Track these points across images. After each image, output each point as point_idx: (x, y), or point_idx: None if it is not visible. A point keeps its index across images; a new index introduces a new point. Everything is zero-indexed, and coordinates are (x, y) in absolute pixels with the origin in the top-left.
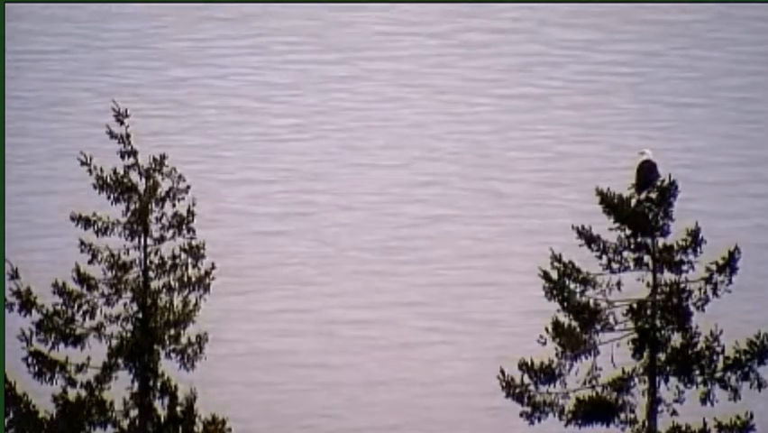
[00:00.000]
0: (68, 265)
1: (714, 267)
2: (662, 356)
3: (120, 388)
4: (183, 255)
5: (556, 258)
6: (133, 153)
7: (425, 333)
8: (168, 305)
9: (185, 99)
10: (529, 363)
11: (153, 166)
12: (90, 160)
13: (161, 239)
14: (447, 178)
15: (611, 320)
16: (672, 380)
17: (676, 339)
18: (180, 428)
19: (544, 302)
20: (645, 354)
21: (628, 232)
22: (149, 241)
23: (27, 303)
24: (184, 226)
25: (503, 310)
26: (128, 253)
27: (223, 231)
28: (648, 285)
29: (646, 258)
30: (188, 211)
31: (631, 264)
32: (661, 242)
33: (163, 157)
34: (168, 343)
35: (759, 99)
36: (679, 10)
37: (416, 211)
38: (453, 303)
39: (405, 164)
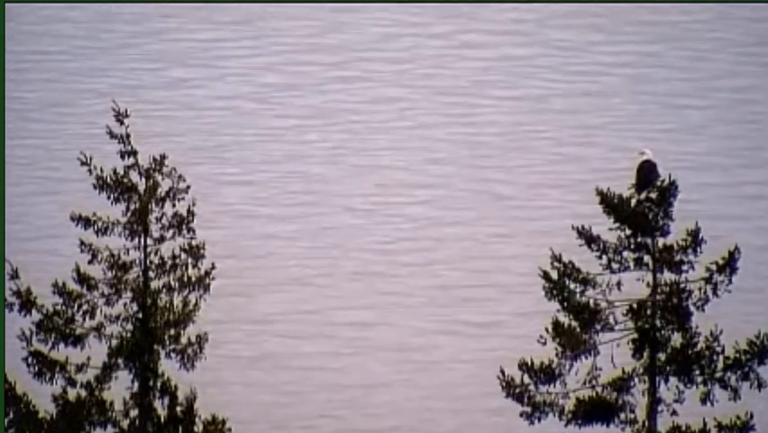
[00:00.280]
0: (68, 265)
1: (714, 267)
2: (662, 356)
3: (120, 388)
4: (183, 255)
5: (556, 258)
6: (133, 153)
7: (425, 334)
8: (168, 305)
9: (185, 100)
10: (529, 363)
11: (153, 166)
12: (90, 160)
13: (161, 239)
14: (447, 179)
15: (611, 320)
16: (672, 380)
17: (676, 339)
18: (180, 428)
19: (544, 303)
20: (645, 354)
21: (628, 232)
22: (149, 241)
23: (27, 303)
24: (184, 226)
25: (504, 312)
26: (128, 253)
27: (223, 232)
28: (648, 285)
29: (646, 258)
30: (188, 211)
31: (631, 264)
32: (661, 242)
33: (163, 157)
34: (168, 343)
35: (759, 101)
36: (679, 11)
37: (417, 212)
38: (454, 304)
39: (405, 166)
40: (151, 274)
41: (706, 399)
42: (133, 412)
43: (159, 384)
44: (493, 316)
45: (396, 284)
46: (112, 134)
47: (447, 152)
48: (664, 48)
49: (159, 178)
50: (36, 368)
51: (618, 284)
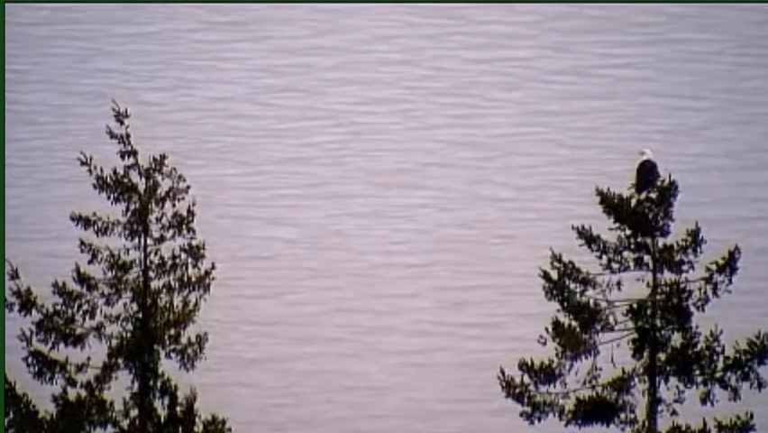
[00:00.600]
0: (68, 265)
1: (714, 267)
2: (662, 356)
3: (120, 388)
4: (183, 255)
5: (556, 258)
6: (133, 153)
7: (426, 336)
8: (168, 305)
9: (185, 102)
10: (529, 363)
11: (153, 166)
12: (90, 160)
13: (161, 239)
14: (447, 181)
15: (611, 320)
16: (672, 380)
17: (676, 339)
18: (180, 428)
19: (545, 305)
20: (645, 354)
21: (628, 232)
22: (149, 241)
23: (27, 303)
24: (184, 226)
25: (504, 313)
26: (128, 253)
27: (224, 234)
28: (648, 285)
29: (646, 258)
30: (188, 211)
31: (631, 264)
32: (661, 242)
33: (163, 157)
34: (168, 343)
35: (760, 102)
36: (679, 12)
37: (417, 214)
38: (455, 305)
39: (406, 167)
40: (151, 274)
41: (706, 399)
42: (133, 412)
43: (159, 384)
44: (494, 317)
45: (397, 286)
46: (112, 134)
47: (448, 154)
48: (665, 49)
49: (159, 178)
50: (36, 368)
51: (618, 284)
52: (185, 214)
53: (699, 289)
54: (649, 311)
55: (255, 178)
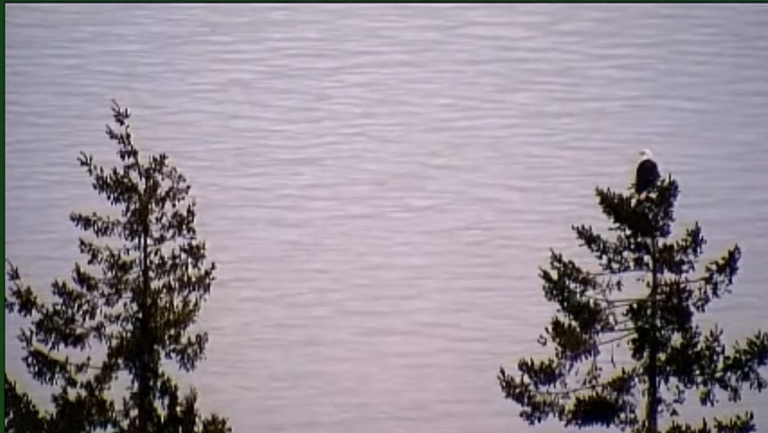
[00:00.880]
0: (68, 265)
1: (714, 267)
2: (662, 356)
3: (120, 388)
4: (183, 255)
5: (556, 258)
6: (133, 153)
7: (427, 339)
8: (168, 305)
9: (186, 105)
10: (529, 363)
11: (153, 166)
12: (90, 160)
13: (161, 239)
14: (448, 182)
15: (611, 320)
16: (672, 380)
17: (676, 339)
18: (180, 428)
19: (545, 306)
20: (645, 354)
21: (628, 232)
22: (149, 241)
23: (27, 303)
24: (184, 226)
25: (505, 314)
26: (128, 253)
27: (224, 236)
28: (648, 285)
29: (646, 258)
30: (188, 211)
31: (631, 264)
32: (661, 242)
33: (163, 157)
34: (168, 343)
35: (761, 103)
36: (680, 12)
37: (418, 215)
38: (456, 307)
39: (405, 170)
40: (151, 274)
41: (706, 399)
42: (133, 412)
43: (159, 384)
44: (494, 318)
45: (397, 287)
46: (112, 134)
47: (448, 155)
48: (665, 50)
49: (159, 178)
50: (36, 368)
51: (618, 284)
52: (185, 214)
53: (699, 289)
54: (649, 311)
55: (256, 179)
